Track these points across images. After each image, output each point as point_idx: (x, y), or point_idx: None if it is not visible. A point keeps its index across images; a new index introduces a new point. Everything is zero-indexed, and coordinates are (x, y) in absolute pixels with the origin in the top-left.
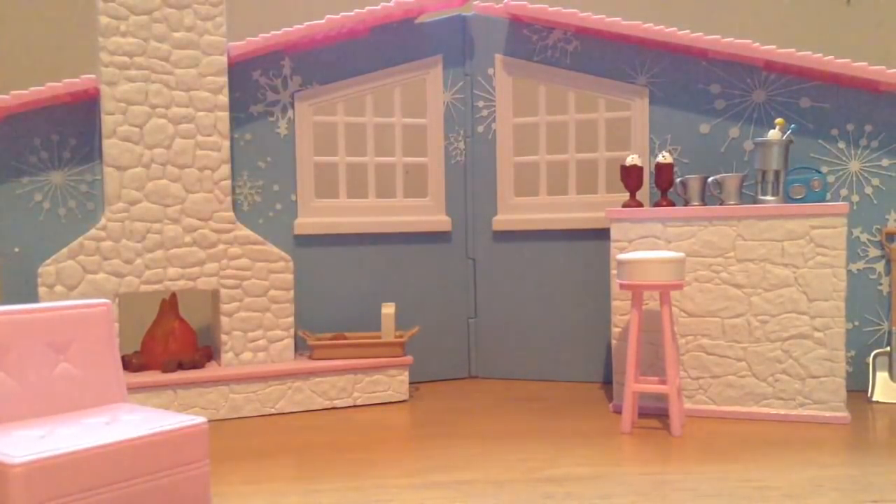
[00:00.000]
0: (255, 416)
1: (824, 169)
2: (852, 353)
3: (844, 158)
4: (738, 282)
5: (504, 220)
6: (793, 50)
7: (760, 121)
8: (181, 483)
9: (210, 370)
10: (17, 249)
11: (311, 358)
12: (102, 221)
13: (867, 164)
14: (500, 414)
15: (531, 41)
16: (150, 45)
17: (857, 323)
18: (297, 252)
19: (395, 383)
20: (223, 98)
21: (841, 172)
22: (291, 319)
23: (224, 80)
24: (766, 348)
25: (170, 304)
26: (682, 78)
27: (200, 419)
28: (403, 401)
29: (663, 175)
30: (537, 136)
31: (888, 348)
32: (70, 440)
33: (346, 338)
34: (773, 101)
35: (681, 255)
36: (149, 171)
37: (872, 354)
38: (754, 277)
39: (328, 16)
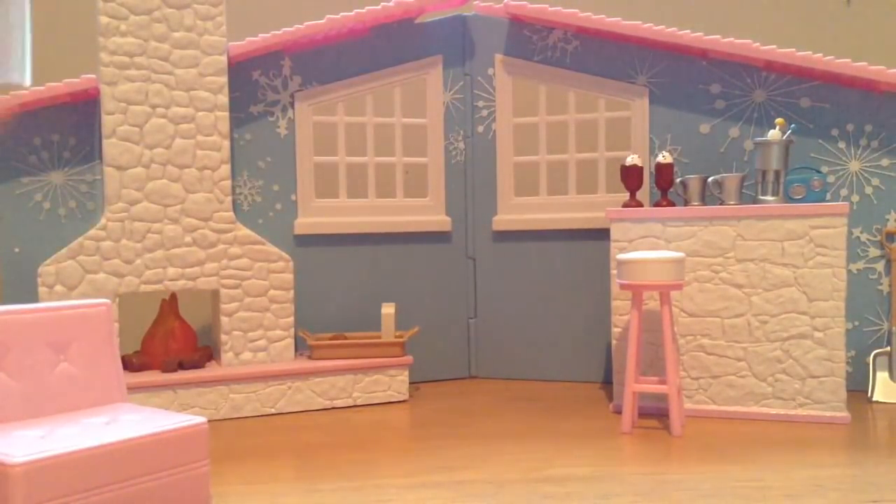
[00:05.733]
0: (255, 416)
1: (824, 169)
2: (852, 353)
3: (844, 158)
4: (738, 282)
5: (504, 220)
6: (793, 50)
7: (760, 121)
8: (181, 483)
9: (210, 370)
10: (17, 249)
11: (310, 358)
12: (102, 221)
13: (867, 164)
14: (500, 414)
15: (531, 41)
16: (150, 45)
17: (857, 323)
18: (297, 252)
19: (395, 383)
20: (223, 98)
21: (841, 172)
22: (291, 319)
23: (224, 80)
24: (766, 348)
25: (170, 304)
26: (682, 78)
27: (200, 419)
28: (403, 401)
29: (663, 175)
30: (537, 136)
31: (888, 348)
32: (70, 440)
33: (346, 338)
34: (773, 101)
35: (681, 255)
36: (149, 171)
37: (872, 354)
38: (754, 277)
39: (328, 16)
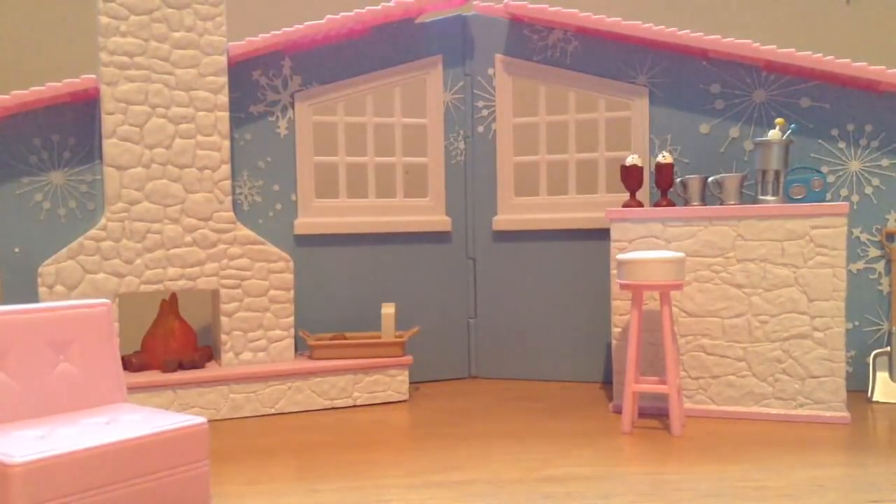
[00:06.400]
0: (255, 416)
1: (824, 169)
2: (852, 353)
3: (844, 158)
4: (738, 282)
5: (504, 220)
6: (793, 50)
7: (760, 121)
8: (181, 483)
9: (210, 370)
10: (16, 249)
11: (311, 358)
12: (102, 221)
13: (867, 164)
14: (500, 414)
15: (531, 41)
16: (150, 45)
17: (857, 323)
18: (297, 252)
19: (395, 383)
20: (223, 98)
21: (841, 172)
22: (291, 319)
23: (224, 80)
24: (766, 348)
25: (170, 304)
26: (682, 78)
27: (200, 419)
28: (403, 401)
29: (663, 175)
30: (537, 136)
31: (888, 348)
32: (70, 440)
33: (346, 338)
34: (773, 101)
35: (681, 255)
36: (149, 171)
37: (872, 354)
38: (754, 277)
39: (328, 16)
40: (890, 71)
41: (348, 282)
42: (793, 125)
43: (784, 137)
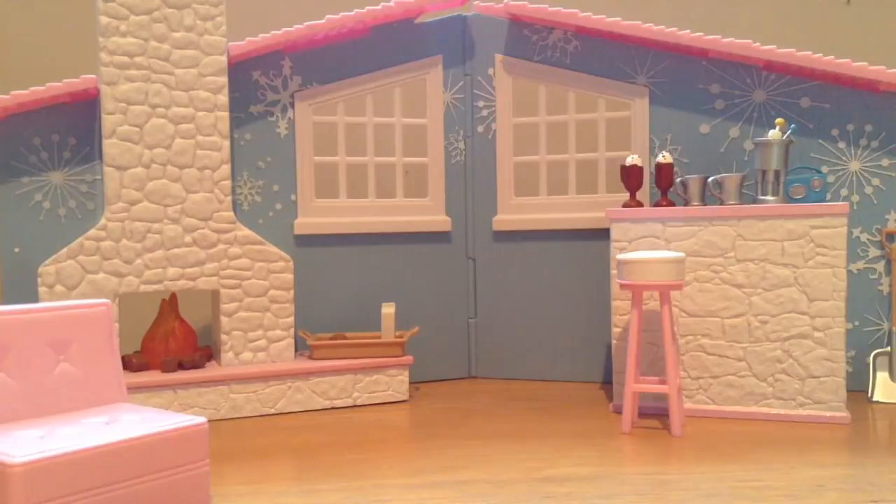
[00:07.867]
0: (255, 416)
1: (824, 169)
2: (852, 353)
3: (844, 158)
4: (738, 282)
5: (504, 220)
6: (793, 50)
7: (760, 121)
8: (181, 483)
9: (210, 370)
10: (17, 249)
11: (310, 358)
12: (102, 221)
13: (867, 164)
14: (500, 414)
15: (531, 41)
16: (150, 45)
17: (857, 323)
18: (297, 252)
19: (395, 383)
20: (223, 98)
21: (841, 172)
22: (291, 319)
23: (224, 80)
24: (766, 348)
25: (170, 304)
26: (682, 78)
27: (200, 419)
28: (403, 401)
29: (663, 175)
30: (537, 136)
31: (888, 348)
32: (70, 440)
33: (346, 338)
34: (773, 101)
35: (681, 255)
36: (149, 171)
37: (872, 354)
38: (754, 277)
39: (328, 16)
40: (890, 71)
41: (348, 282)
42: (793, 125)
43: (784, 137)
